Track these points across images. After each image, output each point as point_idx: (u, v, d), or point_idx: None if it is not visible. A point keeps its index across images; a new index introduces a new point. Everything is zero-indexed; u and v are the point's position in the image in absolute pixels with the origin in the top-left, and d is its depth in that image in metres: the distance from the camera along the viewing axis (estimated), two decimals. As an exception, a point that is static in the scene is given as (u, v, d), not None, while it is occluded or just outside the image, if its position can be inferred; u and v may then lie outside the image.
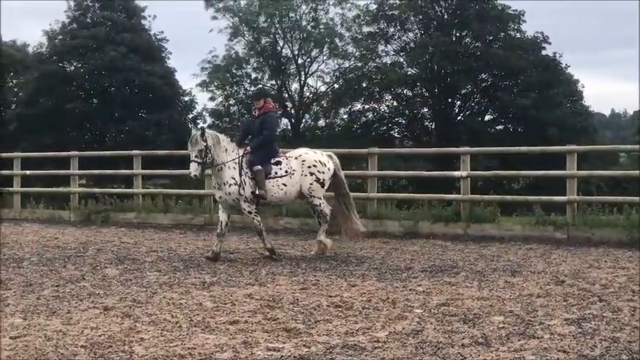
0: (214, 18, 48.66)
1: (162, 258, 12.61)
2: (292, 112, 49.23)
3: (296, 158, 12.98)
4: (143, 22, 47.45)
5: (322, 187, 12.98)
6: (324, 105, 49.52)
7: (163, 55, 47.76)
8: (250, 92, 48.65)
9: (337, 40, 48.38)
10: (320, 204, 13.03)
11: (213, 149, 12.38)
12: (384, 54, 48.10)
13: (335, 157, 13.63)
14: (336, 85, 48.64)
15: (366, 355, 6.59)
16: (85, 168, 22.70)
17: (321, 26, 48.49)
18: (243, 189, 12.44)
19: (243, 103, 48.56)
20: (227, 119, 48.23)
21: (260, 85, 11.65)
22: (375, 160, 17.70)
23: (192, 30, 73.17)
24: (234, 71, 48.71)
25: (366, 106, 48.14)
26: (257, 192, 12.46)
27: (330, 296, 9.17)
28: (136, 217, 19.31)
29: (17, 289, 9.88)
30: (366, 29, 48.05)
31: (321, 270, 11.38)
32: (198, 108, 49.41)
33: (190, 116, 49.08)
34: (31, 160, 24.63)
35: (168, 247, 13.97)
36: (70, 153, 21.70)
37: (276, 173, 12.66)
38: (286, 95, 49.31)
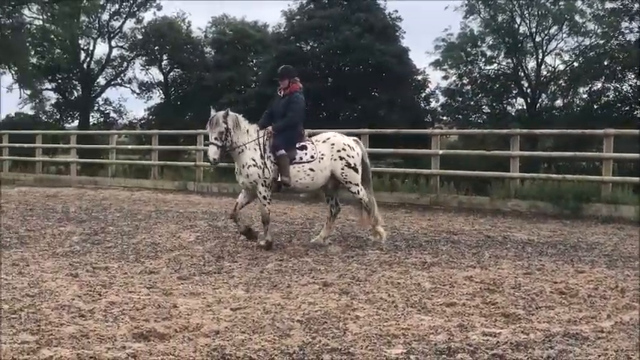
0: (450, -4, 48.13)
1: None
2: (528, 91, 47.84)
3: (324, 142, 12.16)
4: (378, 1, 47.71)
5: (356, 172, 12.15)
6: (562, 84, 47.73)
7: (397, 34, 47.78)
8: (484, 72, 47.83)
9: (577, 17, 46.42)
10: (358, 191, 12.20)
11: (233, 132, 11.70)
12: (627, 31, 45.56)
13: (361, 142, 12.77)
14: (575, 64, 46.73)
15: (587, 345, 6.24)
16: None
17: (561, 2, 46.64)
18: (264, 172, 11.68)
19: (476, 82, 47.79)
20: (460, 99, 47.63)
21: (285, 65, 10.80)
22: (610, 142, 16.81)
23: (426, 8, 72.87)
24: (468, 50, 47.90)
25: (607, 86, 45.90)
26: (280, 179, 11.69)
27: (555, 282, 8.80)
28: (363, 195, 19.41)
29: (243, 261, 10.23)
30: (608, 5, 45.69)
31: (547, 255, 10.96)
32: (431, 87, 49.18)
33: (423, 95, 48.96)
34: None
35: (392, 226, 13.90)
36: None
37: (301, 158, 11.85)
38: (522, 74, 48.01)
